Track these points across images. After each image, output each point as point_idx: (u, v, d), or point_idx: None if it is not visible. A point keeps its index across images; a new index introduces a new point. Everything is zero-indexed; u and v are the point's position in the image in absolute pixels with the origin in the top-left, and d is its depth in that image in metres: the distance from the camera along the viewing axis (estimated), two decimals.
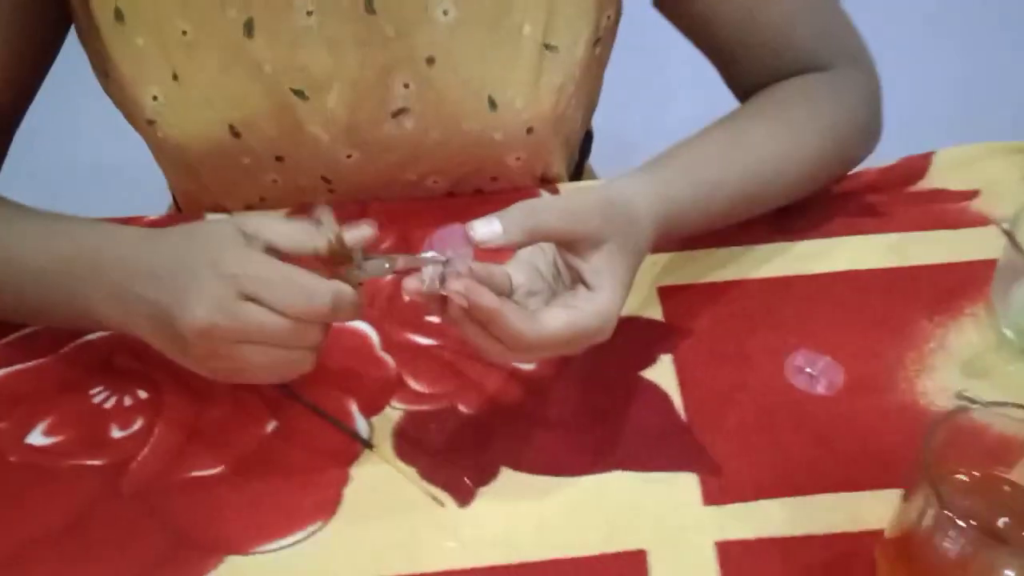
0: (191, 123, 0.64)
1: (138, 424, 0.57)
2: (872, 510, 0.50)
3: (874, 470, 0.52)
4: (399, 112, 0.65)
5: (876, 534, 0.48)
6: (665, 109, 1.48)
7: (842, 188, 0.70)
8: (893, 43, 0.77)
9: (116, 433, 0.57)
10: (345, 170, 0.68)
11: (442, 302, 0.48)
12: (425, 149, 0.67)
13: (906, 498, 0.43)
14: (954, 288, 0.61)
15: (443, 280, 0.47)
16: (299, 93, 0.64)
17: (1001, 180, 0.68)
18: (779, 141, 0.62)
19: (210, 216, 0.69)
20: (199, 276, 0.47)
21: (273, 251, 0.50)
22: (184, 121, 0.64)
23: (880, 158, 0.71)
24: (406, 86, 0.64)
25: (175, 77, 0.63)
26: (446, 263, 0.48)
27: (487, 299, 0.46)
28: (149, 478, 0.54)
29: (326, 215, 0.50)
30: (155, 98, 0.63)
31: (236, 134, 0.65)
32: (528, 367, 0.58)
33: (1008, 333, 0.58)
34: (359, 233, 0.50)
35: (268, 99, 0.64)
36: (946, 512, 0.38)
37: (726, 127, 0.62)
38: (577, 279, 0.50)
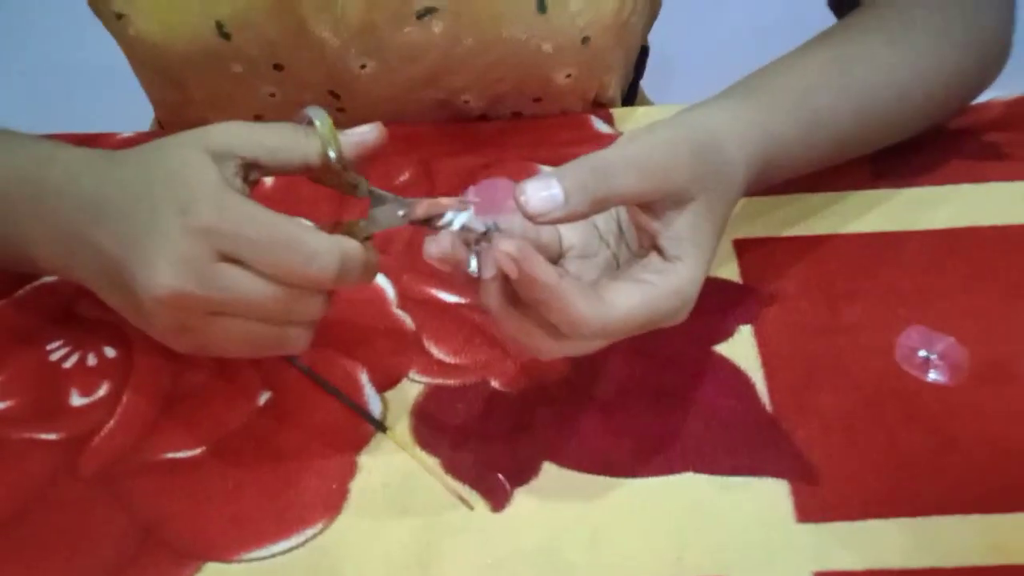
0: (169, 18, 0.52)
1: (103, 389, 0.47)
2: (1012, 538, 0.39)
3: (1015, 484, 0.41)
4: (426, 12, 0.53)
5: None
6: (715, 19, 1.33)
7: (959, 124, 0.58)
8: None
9: (77, 400, 0.47)
10: (358, 84, 0.56)
11: (472, 279, 0.37)
12: (456, 59, 0.55)
13: None
14: None
15: (476, 244, 0.36)
16: None
17: None
18: (903, 57, 0.49)
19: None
20: (163, 227, 0.36)
21: (253, 168, 0.39)
22: (161, 15, 0.52)
23: (1004, 88, 0.58)
24: None
25: None
26: (484, 234, 0.36)
27: (544, 271, 0.35)
28: (113, 458, 0.44)
29: (320, 115, 0.39)
30: None
31: (225, 34, 0.53)
32: None
33: None
34: (360, 137, 0.39)
35: None
36: None
37: (833, 42, 0.50)
38: (650, 245, 0.39)
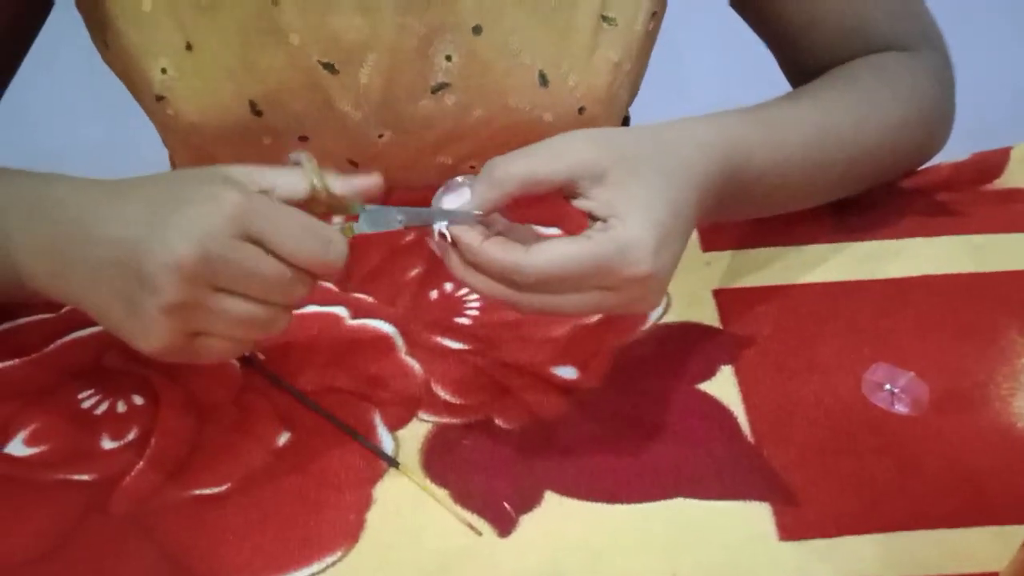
0: (206, 99, 0.57)
1: (132, 434, 0.50)
2: (975, 549, 0.43)
3: (972, 502, 0.46)
4: (440, 87, 0.58)
5: None
6: (682, 99, 1.41)
7: (911, 184, 0.64)
8: (966, 31, 0.71)
9: (107, 444, 0.50)
10: (375, 151, 0.62)
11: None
12: (466, 129, 0.61)
13: None
14: None
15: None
16: (329, 66, 0.57)
17: None
18: (853, 103, 0.56)
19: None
20: (192, 207, 0.40)
21: None
22: (199, 97, 0.57)
23: (950, 154, 0.65)
24: (448, 58, 0.58)
25: (189, 47, 0.56)
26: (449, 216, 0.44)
27: (466, 234, 0.43)
28: (143, 496, 0.47)
29: (303, 157, 0.45)
30: (164, 71, 0.57)
31: (257, 111, 0.58)
32: (570, 375, 0.52)
33: None
34: (354, 182, 0.45)
35: (294, 72, 0.57)
36: None
37: (791, 93, 0.56)
38: (592, 220, 0.44)
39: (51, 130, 1.39)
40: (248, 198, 0.41)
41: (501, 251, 0.43)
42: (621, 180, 0.43)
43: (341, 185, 0.44)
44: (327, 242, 0.42)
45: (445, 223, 0.44)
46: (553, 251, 0.42)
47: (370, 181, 0.45)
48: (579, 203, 0.44)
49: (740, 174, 0.49)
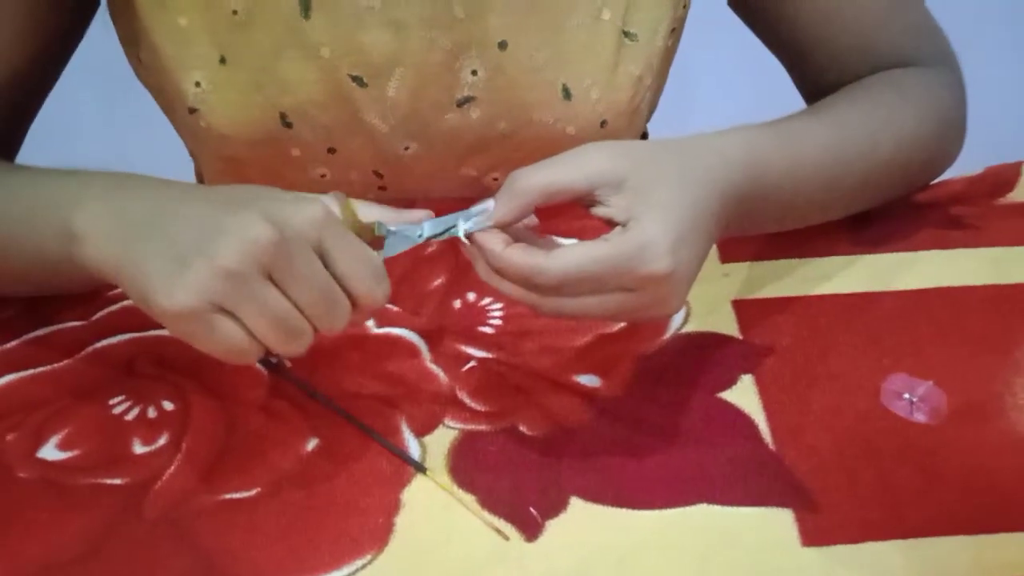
0: (238, 111, 0.59)
1: (163, 439, 0.51)
2: (997, 555, 0.44)
3: (992, 509, 0.46)
4: (465, 100, 0.60)
5: None
6: (694, 116, 1.43)
7: (926, 198, 0.65)
8: (975, 44, 0.72)
9: (139, 448, 0.51)
10: (400, 163, 0.63)
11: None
12: (490, 141, 0.62)
13: None
14: None
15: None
16: (358, 79, 0.59)
17: None
18: (868, 117, 0.57)
19: None
20: (280, 201, 0.43)
21: None
22: (230, 109, 0.59)
23: (962, 168, 0.66)
24: (474, 73, 0.59)
25: (223, 60, 0.58)
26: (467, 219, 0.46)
27: (488, 240, 0.45)
28: (175, 500, 0.48)
29: (340, 198, 0.47)
30: (198, 84, 0.58)
31: (287, 123, 0.59)
32: (593, 383, 0.53)
33: None
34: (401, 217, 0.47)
35: (324, 85, 0.59)
36: None
37: (808, 108, 0.58)
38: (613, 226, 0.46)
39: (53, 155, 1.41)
40: (332, 215, 0.44)
41: (522, 256, 0.44)
42: (639, 186, 0.45)
43: (364, 214, 0.47)
44: (381, 278, 0.45)
45: (465, 228, 0.46)
46: (573, 253, 0.44)
47: (418, 216, 0.47)
48: (598, 211, 0.46)
49: (760, 185, 0.50)
